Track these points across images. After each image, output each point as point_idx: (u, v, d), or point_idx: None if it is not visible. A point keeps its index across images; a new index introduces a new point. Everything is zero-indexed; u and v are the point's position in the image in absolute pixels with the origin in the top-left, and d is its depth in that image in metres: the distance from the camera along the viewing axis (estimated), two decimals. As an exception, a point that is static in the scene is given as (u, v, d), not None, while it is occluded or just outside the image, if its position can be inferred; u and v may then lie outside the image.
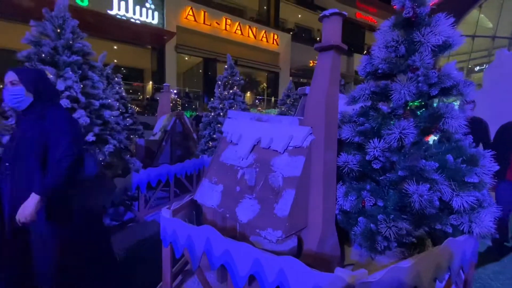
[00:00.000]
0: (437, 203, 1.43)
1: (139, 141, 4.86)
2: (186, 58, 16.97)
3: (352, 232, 1.65)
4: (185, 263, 2.07)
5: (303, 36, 22.25)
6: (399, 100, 1.57)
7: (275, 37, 18.85)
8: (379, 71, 1.70)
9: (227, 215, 1.72)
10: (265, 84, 21.72)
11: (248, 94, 20.19)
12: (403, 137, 1.52)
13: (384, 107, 1.78)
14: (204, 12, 15.33)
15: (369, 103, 1.83)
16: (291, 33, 20.35)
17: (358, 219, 1.61)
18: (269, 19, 19.58)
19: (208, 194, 1.87)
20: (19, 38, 2.69)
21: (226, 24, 16.30)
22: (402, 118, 1.61)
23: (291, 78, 17.86)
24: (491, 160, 1.55)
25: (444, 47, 1.60)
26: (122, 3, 12.45)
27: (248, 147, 1.83)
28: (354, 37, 22.91)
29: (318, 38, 22.92)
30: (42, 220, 1.54)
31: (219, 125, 5.33)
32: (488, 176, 1.53)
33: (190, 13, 14.82)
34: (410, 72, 1.60)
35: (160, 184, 3.71)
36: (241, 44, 17.21)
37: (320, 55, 1.57)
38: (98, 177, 1.83)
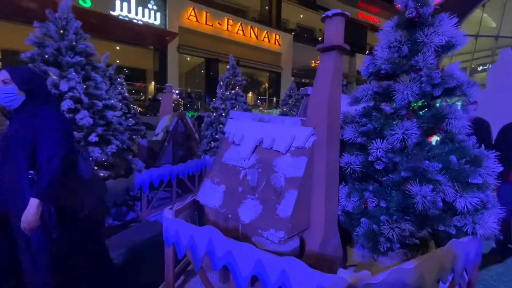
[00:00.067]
0: (441, 204, 1.42)
1: (142, 142, 4.87)
2: (188, 59, 17.03)
3: (355, 233, 1.65)
4: (187, 263, 2.07)
5: (305, 36, 22.25)
6: (402, 101, 1.57)
7: (277, 37, 18.87)
8: (382, 71, 1.70)
9: (229, 216, 1.72)
10: (267, 84, 21.73)
11: (250, 94, 20.21)
12: (406, 137, 1.51)
13: (386, 107, 1.78)
14: (206, 13, 15.38)
15: (371, 104, 1.83)
16: (293, 33, 20.36)
17: (361, 220, 1.61)
18: (271, 19, 19.60)
19: (210, 195, 1.87)
20: (23, 39, 2.72)
21: (228, 24, 16.34)
22: (405, 119, 1.61)
23: (293, 78, 17.86)
24: (494, 161, 1.54)
25: (447, 47, 1.59)
26: (125, 4, 12.53)
27: (250, 147, 1.83)
28: (356, 37, 22.87)
29: (320, 38, 22.89)
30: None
31: (221, 126, 5.33)
32: (492, 177, 1.52)
33: (192, 13, 14.88)
34: (413, 73, 1.59)
35: (162, 185, 3.72)
36: (243, 45, 17.24)
37: (323, 56, 1.57)
38: (89, 179, 1.80)
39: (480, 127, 2.85)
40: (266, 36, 18.27)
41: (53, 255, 1.57)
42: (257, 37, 17.80)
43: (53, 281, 1.60)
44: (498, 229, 1.47)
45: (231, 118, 2.17)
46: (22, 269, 1.59)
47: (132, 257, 2.59)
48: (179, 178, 4.01)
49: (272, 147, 1.73)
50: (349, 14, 1.52)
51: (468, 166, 1.48)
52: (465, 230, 1.48)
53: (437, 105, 1.66)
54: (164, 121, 5.44)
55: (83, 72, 2.91)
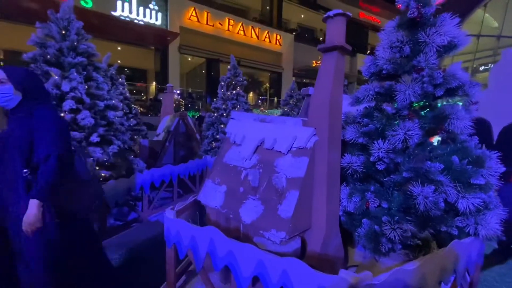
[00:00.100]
0: (442, 205, 1.42)
1: (143, 142, 4.88)
2: (189, 59, 17.05)
3: (356, 234, 1.64)
4: (189, 263, 2.08)
5: (306, 36, 22.24)
6: (404, 101, 1.56)
7: (278, 37, 18.86)
8: (384, 71, 1.69)
9: (231, 216, 1.72)
10: (267, 85, 21.73)
11: (251, 94, 20.22)
12: (408, 138, 1.51)
13: (388, 107, 1.77)
14: (207, 13, 15.39)
15: (373, 104, 1.82)
16: (294, 33, 20.35)
17: (362, 221, 1.61)
18: (272, 19, 19.60)
19: (212, 195, 1.87)
20: (25, 40, 2.73)
21: (229, 24, 16.35)
22: (407, 119, 1.60)
23: (294, 78, 17.84)
24: (497, 162, 1.53)
25: (449, 47, 1.58)
26: (126, 4, 12.55)
27: (252, 148, 1.83)
28: (357, 37, 22.85)
29: (321, 38, 22.88)
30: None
31: (222, 126, 5.34)
32: (494, 177, 1.51)
33: (193, 13, 14.89)
34: (415, 73, 1.58)
35: (163, 185, 3.72)
36: (244, 45, 17.25)
37: (324, 56, 1.56)
38: (85, 180, 1.78)
39: (481, 127, 2.83)
40: (267, 36, 18.27)
41: (49, 258, 1.55)
42: (258, 37, 17.80)
43: (49, 286, 1.56)
44: (500, 230, 1.47)
45: (232, 118, 2.17)
46: (18, 276, 1.56)
47: (133, 257, 2.60)
48: (180, 178, 4.02)
49: (273, 148, 1.73)
50: (350, 14, 1.52)
51: (471, 166, 1.48)
52: (467, 231, 1.47)
53: (439, 105, 1.66)
54: (165, 121, 5.45)
55: (85, 72, 2.92)
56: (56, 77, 2.73)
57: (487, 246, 2.42)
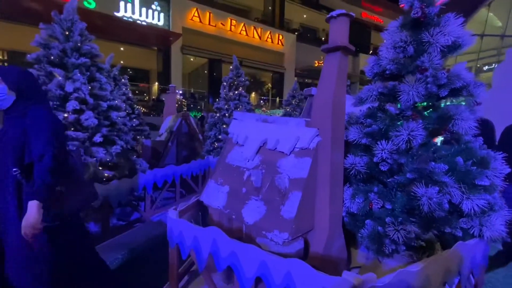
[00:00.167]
0: (447, 206, 1.41)
1: (146, 142, 4.90)
2: (192, 59, 17.09)
3: (359, 235, 1.64)
4: (191, 263, 2.08)
5: (308, 36, 22.20)
6: (408, 102, 1.55)
7: (280, 37, 18.84)
8: (387, 72, 1.68)
9: (233, 217, 1.72)
10: (270, 85, 21.72)
11: (253, 94, 20.22)
12: (412, 139, 1.50)
13: (391, 108, 1.76)
14: (210, 13, 15.41)
15: (376, 104, 1.82)
16: (296, 33, 20.32)
17: (365, 222, 1.60)
18: (274, 19, 19.59)
19: (214, 195, 1.88)
20: (29, 41, 2.75)
21: (231, 25, 16.36)
22: (411, 120, 1.59)
23: (296, 78, 17.83)
24: (502, 163, 1.52)
25: (453, 47, 1.57)
26: (129, 5, 12.61)
27: (254, 148, 1.83)
28: (360, 37, 22.77)
29: (323, 38, 22.83)
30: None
31: (224, 126, 5.34)
32: (499, 178, 1.50)
33: (196, 14, 14.92)
34: (418, 73, 1.57)
35: (166, 185, 3.73)
36: (246, 45, 17.26)
37: (327, 57, 1.56)
38: (79, 182, 1.71)
39: (484, 127, 2.81)
40: (269, 36, 18.26)
41: (38, 263, 1.50)
42: (260, 37, 17.80)
43: None
44: (505, 231, 1.45)
45: (235, 119, 2.17)
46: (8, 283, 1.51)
47: (136, 257, 2.61)
48: (183, 179, 4.02)
49: (276, 148, 1.72)
50: (354, 14, 1.51)
51: (475, 167, 1.47)
52: (471, 232, 1.46)
53: (442, 105, 1.65)
54: (168, 122, 5.46)
55: (88, 73, 2.93)
56: (60, 78, 2.75)
57: (492, 247, 2.39)
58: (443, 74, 1.51)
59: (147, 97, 16.20)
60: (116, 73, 5.26)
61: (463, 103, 1.62)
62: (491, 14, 13.52)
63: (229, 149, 2.03)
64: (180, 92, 14.78)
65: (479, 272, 1.62)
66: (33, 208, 1.38)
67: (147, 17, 13.21)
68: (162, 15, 13.77)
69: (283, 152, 1.67)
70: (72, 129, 2.80)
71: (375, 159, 1.60)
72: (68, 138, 2.73)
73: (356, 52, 21.71)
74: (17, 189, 1.48)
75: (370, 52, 22.25)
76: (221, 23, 15.96)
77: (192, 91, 17.33)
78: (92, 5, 11.51)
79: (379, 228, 1.51)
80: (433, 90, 1.52)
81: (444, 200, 1.40)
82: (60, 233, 1.56)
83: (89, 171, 2.80)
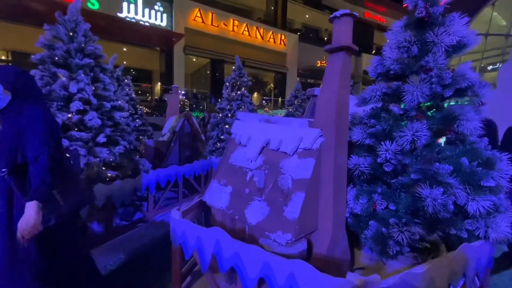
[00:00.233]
0: (452, 207, 1.40)
1: (148, 142, 4.91)
2: (194, 60, 17.13)
3: (363, 236, 1.63)
4: (194, 264, 2.08)
5: (310, 36, 22.16)
6: (412, 102, 1.54)
7: (283, 37, 18.83)
8: (391, 72, 1.67)
9: (236, 217, 1.72)
10: (272, 85, 21.70)
11: (255, 94, 20.22)
12: (416, 139, 1.48)
13: (395, 108, 1.75)
14: (212, 14, 15.44)
15: (380, 105, 1.81)
16: (298, 33, 20.29)
17: (369, 223, 1.59)
18: (276, 19, 19.58)
19: (217, 196, 1.88)
20: (33, 41, 2.77)
21: (233, 25, 16.38)
22: (415, 120, 1.58)
23: (298, 78, 17.80)
24: (508, 163, 1.50)
25: (458, 47, 1.56)
26: (132, 6, 12.67)
27: (257, 149, 1.83)
28: (363, 36, 22.68)
29: (325, 38, 22.76)
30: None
31: (226, 126, 5.34)
32: (505, 179, 1.48)
33: (198, 14, 14.96)
34: (423, 73, 1.56)
35: (169, 185, 3.74)
36: (248, 45, 17.26)
37: (331, 57, 1.55)
38: (74, 182, 1.68)
39: (487, 128, 2.78)
40: (272, 36, 18.25)
41: (31, 264, 1.45)
42: (262, 38, 17.79)
43: None
44: (511, 233, 1.43)
45: (237, 119, 2.17)
46: None
47: (139, 257, 2.61)
48: (186, 179, 4.03)
49: (279, 149, 1.72)
50: (357, 14, 1.50)
51: (480, 168, 1.45)
52: (477, 234, 1.45)
53: (445, 105, 1.64)
54: (171, 122, 5.48)
55: (92, 73, 2.95)
56: (64, 79, 2.76)
57: (497, 249, 2.37)
58: (447, 74, 1.50)
59: (149, 98, 16.26)
60: (120, 73, 5.29)
61: (466, 103, 1.60)
62: (495, 13, 13.40)
63: (232, 150, 2.03)
64: (183, 92, 14.82)
65: (485, 274, 1.60)
66: (33, 209, 1.34)
67: (150, 17, 13.26)
68: (164, 15, 13.82)
69: (286, 153, 1.67)
70: (76, 129, 2.82)
71: (379, 160, 1.59)
72: (72, 138, 2.74)
73: (359, 52, 21.59)
74: (5, 189, 1.44)
75: (373, 52, 22.16)
76: (224, 24, 15.98)
77: (194, 91, 17.37)
78: (96, 6, 11.58)
79: (383, 229, 1.50)
80: (437, 90, 1.51)
81: (449, 201, 1.39)
82: (50, 235, 1.48)
83: (92, 171, 2.82)
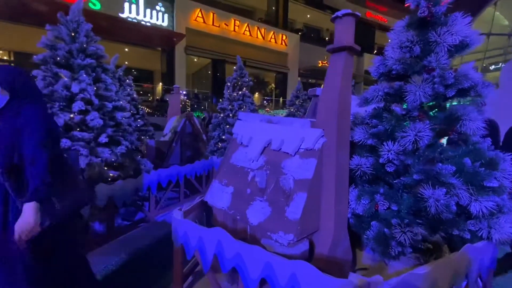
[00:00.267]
0: (454, 208, 1.39)
1: (150, 142, 4.92)
2: (195, 60, 17.14)
3: (365, 236, 1.62)
4: (196, 263, 2.08)
5: (311, 36, 22.13)
6: (414, 102, 1.54)
7: (284, 37, 18.82)
8: (393, 72, 1.67)
9: (238, 217, 1.72)
10: (273, 85, 21.70)
11: (256, 95, 20.22)
12: (418, 139, 1.48)
13: (397, 108, 1.75)
14: (213, 14, 15.45)
15: (382, 105, 1.80)
16: (299, 33, 20.27)
17: (371, 223, 1.58)
18: (277, 19, 19.57)
19: (219, 196, 1.88)
20: (35, 42, 2.78)
21: (234, 25, 16.38)
22: (417, 120, 1.57)
23: (299, 78, 17.78)
24: (511, 164, 1.49)
25: (461, 47, 1.55)
26: (133, 6, 12.69)
27: (259, 149, 1.82)
28: (364, 36, 22.62)
29: (327, 38, 22.73)
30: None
31: (228, 126, 5.35)
32: (508, 180, 1.48)
33: (199, 15, 14.97)
34: (425, 73, 1.56)
35: (170, 185, 3.74)
36: (249, 45, 17.26)
37: (333, 57, 1.55)
38: (73, 183, 1.65)
39: (489, 128, 2.77)
40: (273, 36, 18.24)
41: (22, 266, 1.42)
42: (263, 38, 17.79)
43: None
44: (514, 234, 1.43)
45: (239, 119, 2.17)
46: None
47: (140, 257, 2.62)
48: (187, 179, 4.04)
49: (280, 149, 1.72)
50: (359, 14, 1.50)
51: (483, 169, 1.44)
52: (480, 234, 1.44)
53: (447, 105, 1.63)
54: (172, 122, 5.48)
55: (94, 74, 2.95)
56: (66, 79, 2.77)
57: (500, 250, 2.36)
58: (450, 74, 1.49)
59: (151, 98, 16.29)
60: (121, 73, 5.30)
61: (467, 103, 1.59)
62: (497, 13, 13.34)
63: (233, 150, 2.03)
64: (184, 92, 14.83)
65: (487, 275, 1.59)
66: (31, 210, 1.31)
67: (151, 18, 13.29)
68: (166, 16, 13.84)
69: (287, 153, 1.67)
70: (78, 129, 2.83)
71: (381, 160, 1.59)
72: (74, 139, 2.75)
73: (360, 52, 21.55)
74: (1, 191, 1.41)
75: (375, 52, 22.10)
76: (225, 24, 15.99)
77: (195, 91, 17.38)
78: (97, 6, 11.61)
79: (385, 229, 1.50)
80: (440, 90, 1.50)
81: (452, 202, 1.38)
82: (45, 237, 1.43)
83: (94, 171, 2.82)
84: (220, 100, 5.79)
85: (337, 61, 1.53)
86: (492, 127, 2.86)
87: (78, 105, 2.73)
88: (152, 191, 3.43)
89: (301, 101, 8.59)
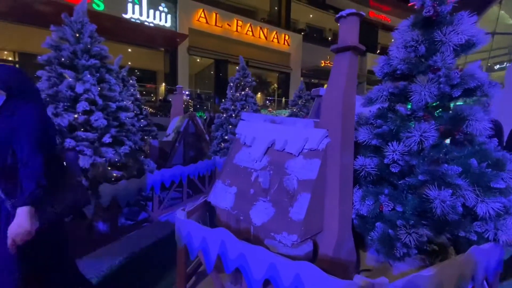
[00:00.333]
0: (461, 209, 1.37)
1: (153, 142, 4.94)
2: (198, 60, 17.19)
3: (369, 237, 1.61)
4: (199, 264, 2.08)
5: (314, 36, 22.07)
6: (420, 102, 1.52)
7: (286, 37, 18.80)
8: (398, 72, 1.66)
9: (241, 218, 1.71)
10: (276, 85, 21.68)
11: (259, 95, 20.22)
12: (424, 140, 1.46)
13: (401, 108, 1.73)
14: (216, 14, 15.48)
15: (386, 105, 1.79)
16: (302, 33, 20.23)
17: (376, 224, 1.57)
18: (280, 19, 19.55)
19: (222, 196, 1.87)
20: (40, 43, 2.80)
21: (237, 25, 16.39)
22: (422, 121, 1.56)
23: (302, 78, 17.76)
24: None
25: (467, 46, 1.53)
26: (136, 7, 12.76)
27: (262, 149, 1.82)
28: (368, 36, 22.50)
29: (329, 38, 22.65)
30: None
31: (230, 127, 5.35)
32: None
33: (202, 15, 15.00)
34: (431, 73, 1.54)
35: (173, 185, 3.75)
36: (252, 45, 17.26)
37: (337, 56, 1.54)
38: (68, 184, 1.60)
39: (493, 128, 2.75)
40: (275, 36, 18.22)
41: (8, 270, 1.38)
42: (266, 38, 17.78)
43: None
44: (521, 235, 1.41)
45: (242, 119, 2.16)
46: None
47: (143, 257, 2.63)
48: (190, 179, 4.05)
49: (284, 149, 1.71)
50: (364, 13, 1.49)
51: (490, 169, 1.43)
52: (486, 236, 1.42)
53: (451, 105, 1.61)
54: (175, 122, 5.50)
55: (98, 74, 2.97)
56: (70, 79, 2.79)
57: (507, 252, 2.33)
58: (456, 74, 1.48)
59: (154, 98, 16.35)
60: (125, 74, 5.32)
61: (472, 103, 1.58)
62: (502, 12, 13.22)
63: (236, 150, 2.03)
64: (187, 92, 14.87)
65: (494, 277, 1.57)
66: (26, 214, 1.27)
67: (154, 18, 13.35)
68: (169, 16, 13.89)
69: (291, 153, 1.66)
70: (82, 129, 2.84)
71: (385, 161, 1.57)
72: (78, 139, 2.76)
73: (363, 52, 21.43)
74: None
75: (378, 52, 21.98)
76: (227, 24, 16.00)
77: (198, 91, 17.42)
78: (101, 7, 11.68)
79: (390, 231, 1.48)
80: (445, 90, 1.49)
81: (458, 203, 1.36)
82: (35, 240, 1.36)
83: (97, 171, 2.84)
84: (223, 100, 5.79)
85: (342, 61, 1.52)
86: (495, 127, 2.83)
87: (82, 105, 2.75)
88: (156, 191, 3.44)
89: (303, 101, 8.57)
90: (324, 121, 1.59)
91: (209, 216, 2.17)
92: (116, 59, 4.33)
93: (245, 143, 1.99)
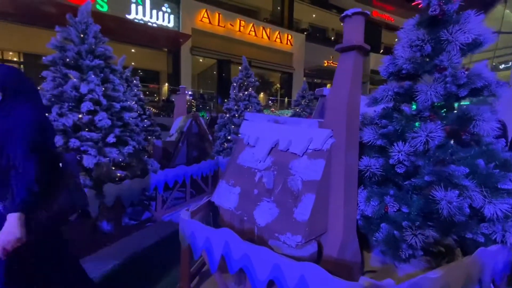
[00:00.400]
0: (468, 210, 1.35)
1: (157, 142, 4.95)
2: (201, 60, 17.21)
3: (374, 238, 1.60)
4: (203, 263, 2.08)
5: (317, 36, 21.99)
6: (426, 102, 1.50)
7: (289, 37, 18.75)
8: (403, 71, 1.64)
9: (245, 218, 1.71)
10: (278, 85, 21.64)
11: (261, 95, 20.19)
12: (430, 140, 1.45)
13: (406, 108, 1.72)
14: (219, 14, 15.49)
15: (391, 105, 1.77)
16: (305, 33, 20.18)
17: (381, 225, 1.56)
18: (283, 19, 19.51)
19: (226, 196, 1.87)
20: (44, 43, 2.82)
21: (240, 25, 16.39)
22: (428, 121, 1.54)
23: (304, 78, 17.70)
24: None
25: (474, 45, 1.51)
26: (140, 8, 12.80)
27: (266, 149, 1.81)
28: (371, 36, 22.37)
29: (332, 38, 22.57)
30: None
31: (233, 127, 5.35)
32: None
33: (205, 15, 15.02)
34: (437, 73, 1.52)
35: (176, 185, 3.76)
36: (255, 45, 17.25)
37: (342, 56, 1.53)
38: (65, 187, 1.56)
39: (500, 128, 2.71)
40: (278, 36, 18.19)
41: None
42: (269, 38, 17.75)
43: None
44: (530, 237, 1.38)
45: (246, 119, 2.16)
46: None
47: (147, 256, 2.63)
48: (193, 179, 4.05)
49: (288, 149, 1.70)
50: (369, 13, 1.48)
51: (498, 170, 1.41)
52: (493, 238, 1.40)
53: (456, 105, 1.59)
54: (178, 122, 5.51)
55: (102, 74, 2.98)
56: (75, 80, 2.81)
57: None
58: (462, 73, 1.46)
59: (157, 98, 16.41)
60: (128, 74, 5.35)
61: (478, 103, 1.56)
62: (507, 11, 13.07)
63: (240, 150, 2.02)
64: (190, 93, 14.90)
65: (501, 280, 1.55)
66: (17, 221, 1.24)
67: (157, 19, 13.38)
68: (172, 16, 13.92)
69: (295, 154, 1.65)
70: (86, 129, 2.86)
71: (391, 161, 1.56)
72: (82, 139, 2.78)
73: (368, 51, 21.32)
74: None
75: (381, 51, 21.86)
76: (230, 24, 16.01)
77: (201, 91, 17.45)
78: (104, 8, 11.74)
79: (395, 232, 1.47)
80: (452, 90, 1.47)
81: (465, 204, 1.35)
82: (27, 246, 1.33)
83: (101, 171, 2.85)
84: (226, 100, 5.79)
85: (346, 60, 1.51)
86: (501, 128, 2.80)
87: (86, 105, 2.76)
88: (159, 191, 3.45)
89: (307, 101, 8.53)
90: (329, 121, 1.58)
91: (212, 216, 2.17)
92: (120, 60, 4.35)
93: (248, 143, 1.98)
